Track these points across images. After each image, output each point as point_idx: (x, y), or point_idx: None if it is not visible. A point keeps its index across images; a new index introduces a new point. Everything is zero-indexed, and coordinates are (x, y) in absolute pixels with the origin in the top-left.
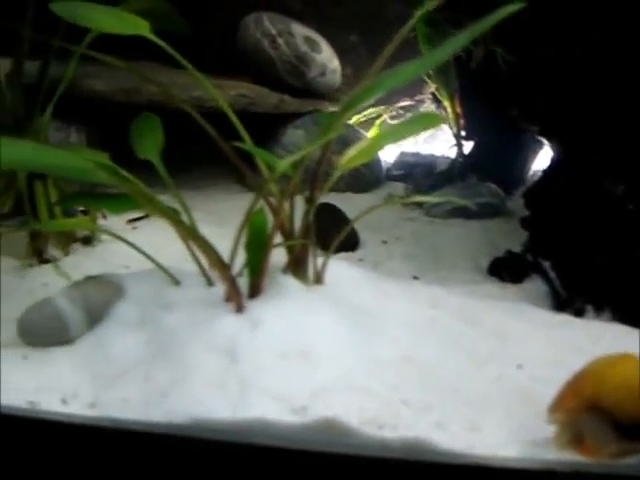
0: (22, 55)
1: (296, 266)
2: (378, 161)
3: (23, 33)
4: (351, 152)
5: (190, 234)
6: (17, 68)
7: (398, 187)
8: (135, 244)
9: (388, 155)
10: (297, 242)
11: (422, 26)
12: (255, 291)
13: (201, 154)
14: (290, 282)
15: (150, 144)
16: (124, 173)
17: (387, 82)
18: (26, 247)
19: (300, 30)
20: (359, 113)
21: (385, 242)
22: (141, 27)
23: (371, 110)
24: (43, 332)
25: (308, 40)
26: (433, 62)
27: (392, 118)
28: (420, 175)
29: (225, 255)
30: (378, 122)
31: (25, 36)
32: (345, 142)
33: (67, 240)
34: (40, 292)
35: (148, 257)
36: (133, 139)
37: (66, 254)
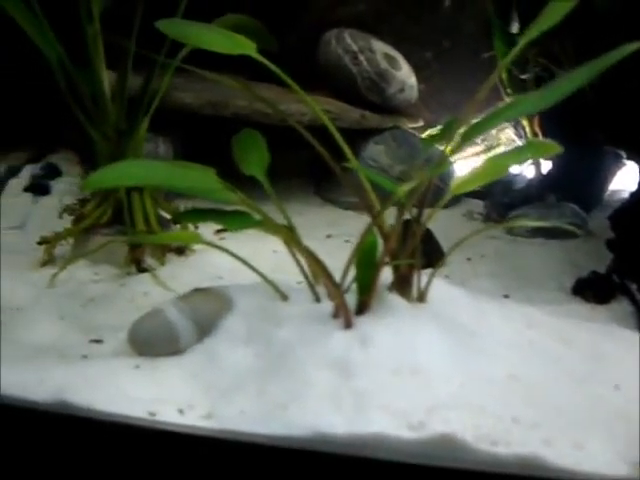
0: (127, 69)
1: (401, 284)
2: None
3: (128, 48)
4: (462, 178)
5: (302, 251)
6: (122, 82)
7: (476, 204)
8: (245, 259)
9: (463, 171)
10: (405, 262)
11: (501, 46)
12: (363, 308)
13: (279, 166)
14: (396, 300)
15: (255, 161)
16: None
17: (506, 113)
18: (125, 256)
19: (380, 47)
20: (433, 127)
21: (469, 259)
22: (248, 47)
23: None
24: (154, 342)
25: (387, 57)
26: (553, 98)
27: None
28: (498, 193)
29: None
30: None
31: (130, 51)
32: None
33: (163, 250)
34: (141, 300)
35: (259, 273)
36: (237, 155)
37: (162, 264)
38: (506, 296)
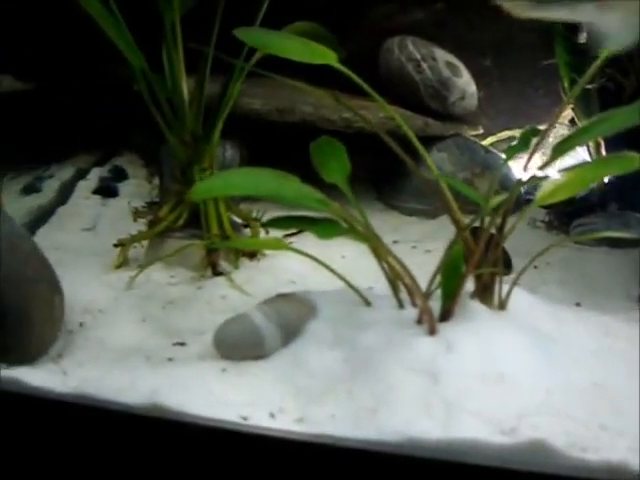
0: (205, 75)
1: (483, 292)
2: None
3: (207, 53)
4: (547, 188)
5: (391, 259)
6: (199, 87)
7: (538, 212)
8: (329, 265)
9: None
10: (489, 270)
11: (563, 53)
12: (446, 315)
13: None
14: (478, 307)
15: (336, 168)
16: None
17: (599, 128)
18: (200, 259)
19: (442, 55)
20: (494, 135)
21: (536, 267)
22: (329, 57)
23: (507, 133)
24: (240, 346)
25: (449, 65)
26: None
27: None
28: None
29: None
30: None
31: (208, 56)
32: (484, 165)
33: (236, 254)
34: (219, 304)
35: (345, 280)
36: (317, 162)
37: (236, 267)
38: (578, 304)
